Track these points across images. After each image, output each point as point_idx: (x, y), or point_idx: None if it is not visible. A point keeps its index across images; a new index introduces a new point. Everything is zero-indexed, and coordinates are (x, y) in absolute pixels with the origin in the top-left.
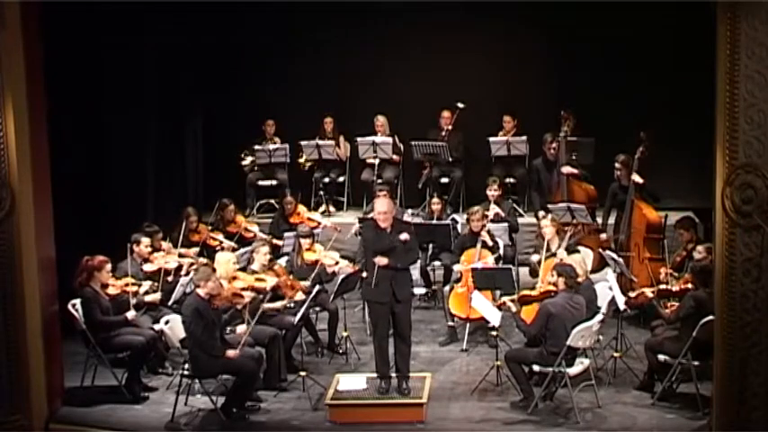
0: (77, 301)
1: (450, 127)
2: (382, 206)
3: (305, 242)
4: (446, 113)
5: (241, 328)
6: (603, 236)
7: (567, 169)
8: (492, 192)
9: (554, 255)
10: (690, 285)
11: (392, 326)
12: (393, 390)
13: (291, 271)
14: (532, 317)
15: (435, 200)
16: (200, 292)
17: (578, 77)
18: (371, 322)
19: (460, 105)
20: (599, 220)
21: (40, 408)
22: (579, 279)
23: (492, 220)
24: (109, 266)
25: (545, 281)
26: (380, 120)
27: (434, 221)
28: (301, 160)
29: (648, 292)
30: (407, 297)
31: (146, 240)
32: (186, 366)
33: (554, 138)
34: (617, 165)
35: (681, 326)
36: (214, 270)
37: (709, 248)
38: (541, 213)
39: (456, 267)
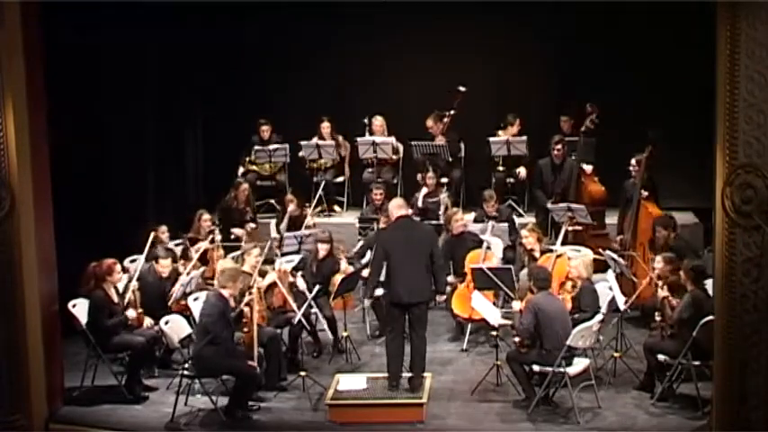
0: (79, 301)
1: (437, 128)
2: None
3: (322, 247)
4: (446, 119)
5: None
6: (619, 238)
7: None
8: (489, 208)
9: (550, 251)
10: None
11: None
12: (402, 388)
13: (305, 270)
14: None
15: (430, 174)
16: (225, 293)
17: (579, 77)
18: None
19: (462, 89)
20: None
21: (40, 408)
22: (581, 280)
23: (493, 219)
24: (118, 267)
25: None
26: (379, 120)
27: (435, 222)
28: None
29: (662, 291)
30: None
31: (164, 262)
32: (186, 366)
33: (561, 139)
34: (633, 162)
35: (679, 326)
36: (241, 273)
37: (668, 259)
38: (523, 232)
39: (450, 279)
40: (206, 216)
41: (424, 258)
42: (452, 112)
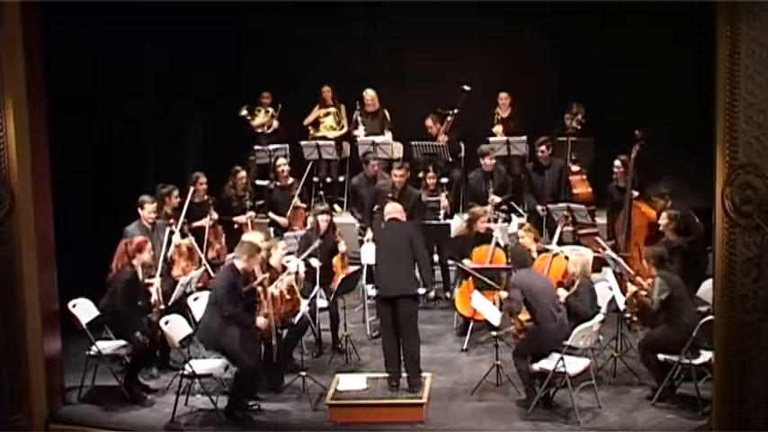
0: (79, 301)
1: (439, 133)
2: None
3: (323, 219)
4: (449, 118)
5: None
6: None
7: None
8: (488, 161)
9: (547, 250)
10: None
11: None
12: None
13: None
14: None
15: (430, 173)
16: (238, 264)
17: (579, 77)
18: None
19: (466, 88)
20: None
21: (40, 408)
22: (579, 278)
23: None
24: (149, 246)
25: None
26: (370, 94)
27: (435, 222)
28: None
29: (632, 286)
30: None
31: (150, 207)
32: (186, 366)
33: (544, 140)
34: (616, 164)
35: (663, 310)
36: (259, 250)
37: (672, 215)
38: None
39: (466, 261)
40: (202, 179)
41: (406, 253)
42: (456, 111)
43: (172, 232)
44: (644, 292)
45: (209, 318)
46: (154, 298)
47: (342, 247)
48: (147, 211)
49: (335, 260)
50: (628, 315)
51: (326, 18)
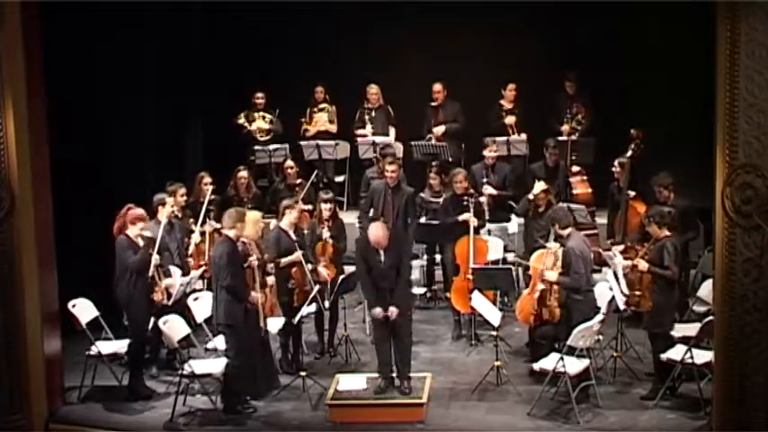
0: (79, 301)
1: (441, 100)
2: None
3: (326, 207)
4: (437, 86)
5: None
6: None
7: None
8: (490, 153)
9: (543, 247)
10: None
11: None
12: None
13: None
14: (527, 308)
15: (433, 174)
16: (231, 234)
17: (578, 77)
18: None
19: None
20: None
21: (40, 408)
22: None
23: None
24: (141, 224)
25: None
26: (374, 88)
27: (436, 222)
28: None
29: (642, 263)
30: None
31: (170, 201)
32: (186, 366)
33: (556, 143)
34: (615, 164)
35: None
36: (244, 215)
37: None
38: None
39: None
40: (207, 179)
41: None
42: (440, 102)
43: (191, 231)
44: (645, 266)
45: (216, 295)
46: (151, 272)
47: (325, 233)
48: (170, 204)
49: (318, 246)
50: (638, 292)
51: (327, 17)
